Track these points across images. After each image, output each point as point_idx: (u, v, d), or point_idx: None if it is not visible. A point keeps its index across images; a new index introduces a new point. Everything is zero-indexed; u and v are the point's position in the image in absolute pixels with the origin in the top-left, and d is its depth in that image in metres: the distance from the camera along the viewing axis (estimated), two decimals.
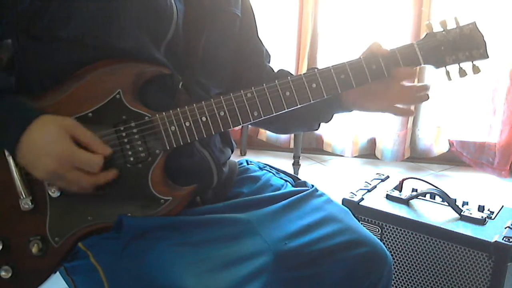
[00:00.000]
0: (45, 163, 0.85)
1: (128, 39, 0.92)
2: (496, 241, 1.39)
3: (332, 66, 1.01)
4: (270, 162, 1.26)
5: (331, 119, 1.17)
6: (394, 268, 1.57)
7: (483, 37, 1.04)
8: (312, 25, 3.02)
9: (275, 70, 1.22)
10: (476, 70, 1.05)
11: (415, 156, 3.17)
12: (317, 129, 1.21)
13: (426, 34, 1.05)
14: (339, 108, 1.13)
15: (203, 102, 0.95)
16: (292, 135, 3.05)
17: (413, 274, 1.55)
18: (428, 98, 1.08)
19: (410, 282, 1.56)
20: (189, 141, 0.94)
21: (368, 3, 2.97)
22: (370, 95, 1.08)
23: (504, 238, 1.39)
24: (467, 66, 1.05)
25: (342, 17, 3.01)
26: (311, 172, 3.05)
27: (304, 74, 1.00)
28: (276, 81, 0.98)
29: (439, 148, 3.12)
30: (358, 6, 2.98)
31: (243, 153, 3.25)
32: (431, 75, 2.93)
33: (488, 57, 1.05)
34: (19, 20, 0.89)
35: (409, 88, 1.07)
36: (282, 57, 3.05)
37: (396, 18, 2.94)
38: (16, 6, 0.88)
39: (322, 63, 3.05)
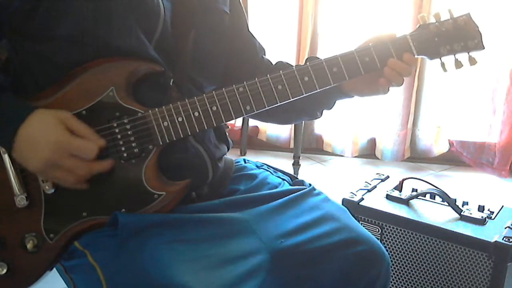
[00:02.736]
0: (41, 151, 0.86)
1: (122, 37, 0.93)
2: (496, 241, 1.38)
3: (324, 59, 1.01)
4: (270, 162, 1.26)
5: (333, 105, 1.17)
6: (394, 268, 1.57)
7: (478, 27, 1.03)
8: (312, 25, 3.02)
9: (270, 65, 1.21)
10: (472, 61, 1.04)
11: (415, 156, 3.17)
12: (320, 117, 1.20)
13: (419, 26, 1.04)
14: (339, 95, 1.12)
15: (195, 97, 0.96)
16: (292, 134, 3.05)
17: (413, 274, 1.54)
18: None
19: (410, 282, 1.56)
20: (182, 136, 0.95)
21: (368, 3, 2.96)
22: (367, 81, 1.06)
23: (504, 238, 1.39)
24: (463, 57, 1.04)
25: (342, 17, 3.01)
26: (311, 172, 3.05)
27: (296, 67, 1.00)
28: (268, 75, 0.99)
29: (439, 148, 3.12)
30: (358, 6, 2.98)
31: (243, 153, 3.25)
32: (431, 74, 2.94)
33: (484, 47, 1.04)
34: (12, 21, 0.91)
35: (401, 67, 1.03)
36: (282, 57, 3.03)
37: (396, 18, 2.93)
38: (8, 7, 0.89)
39: None
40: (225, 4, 1.12)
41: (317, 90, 1.01)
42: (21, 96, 0.93)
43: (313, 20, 3.01)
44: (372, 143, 3.23)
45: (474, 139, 3.07)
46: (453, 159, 3.13)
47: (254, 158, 1.28)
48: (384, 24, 2.95)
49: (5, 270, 0.92)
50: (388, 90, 1.07)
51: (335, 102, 1.16)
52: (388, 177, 1.78)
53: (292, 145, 3.06)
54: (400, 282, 1.57)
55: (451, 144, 3.10)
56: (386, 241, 1.56)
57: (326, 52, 3.05)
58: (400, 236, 1.54)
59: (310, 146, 3.30)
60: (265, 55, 1.23)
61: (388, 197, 1.61)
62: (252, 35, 1.21)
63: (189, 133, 0.96)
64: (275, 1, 3.01)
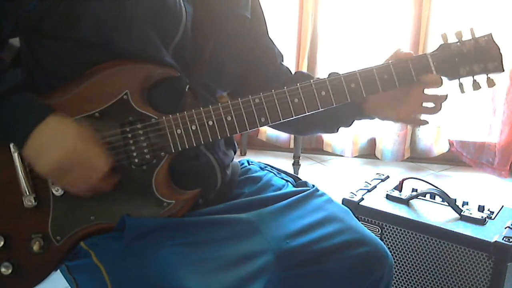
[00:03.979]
0: (54, 154, 0.85)
1: (137, 40, 0.92)
2: (496, 241, 1.39)
3: (342, 74, 1.00)
4: (270, 162, 1.26)
5: (351, 124, 1.15)
6: (394, 268, 1.57)
7: (499, 49, 1.02)
8: (312, 25, 3.02)
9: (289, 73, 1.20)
10: (490, 83, 1.03)
11: (415, 156, 3.17)
12: (336, 133, 1.19)
13: (440, 45, 1.03)
14: (359, 115, 1.12)
15: (210, 106, 0.94)
16: (292, 135, 3.05)
17: (413, 274, 1.55)
18: (440, 109, 1.06)
19: (410, 282, 1.56)
20: (194, 145, 0.94)
21: (368, 4, 2.97)
22: (391, 103, 1.05)
23: (504, 238, 1.39)
24: (481, 78, 1.03)
25: (342, 17, 3.01)
26: (311, 172, 3.05)
27: (314, 81, 0.98)
28: (285, 87, 0.97)
29: (439, 148, 3.12)
30: (358, 6, 2.98)
31: (243, 153, 3.25)
32: None
33: (503, 70, 1.03)
34: (30, 19, 0.89)
35: (429, 97, 1.04)
36: None
37: (396, 19, 2.94)
38: (26, 5, 0.88)
39: (322, 63, 3.05)
40: (247, 9, 1.11)
41: (333, 105, 0.99)
42: (34, 94, 0.91)
43: (313, 20, 3.02)
44: (372, 143, 3.23)
45: (474, 139, 3.07)
46: (453, 159, 3.13)
47: (254, 158, 1.28)
48: (384, 24, 2.95)
49: (10, 270, 0.91)
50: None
51: (353, 121, 1.15)
52: (388, 177, 1.78)
53: (292, 145, 3.06)
54: (400, 282, 1.58)
55: (451, 144, 3.10)
56: (386, 241, 1.56)
57: (326, 52, 3.05)
58: (400, 236, 1.54)
59: (310, 146, 3.31)
60: (283, 61, 1.22)
61: (388, 197, 1.62)
62: (272, 40, 1.20)
63: (202, 142, 0.94)
64: (275, 1, 3.01)
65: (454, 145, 3.10)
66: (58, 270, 1.00)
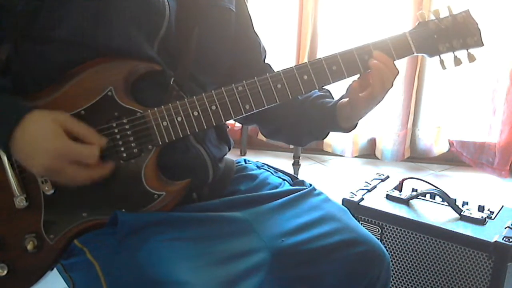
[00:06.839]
0: (42, 159, 0.85)
1: (120, 37, 0.92)
2: (496, 241, 1.39)
3: (323, 57, 1.01)
4: (270, 162, 1.25)
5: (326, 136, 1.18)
6: (394, 268, 1.57)
7: (477, 24, 1.04)
8: (312, 25, 3.02)
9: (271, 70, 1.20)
10: (471, 58, 1.05)
11: (415, 156, 3.17)
12: (325, 137, 1.19)
13: (418, 23, 1.05)
14: (338, 130, 1.14)
15: (194, 97, 0.96)
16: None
17: (413, 274, 1.54)
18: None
19: (410, 282, 1.56)
20: (181, 136, 0.95)
21: (368, 4, 2.96)
22: (359, 101, 1.04)
23: (504, 238, 1.39)
24: (462, 54, 1.05)
25: (342, 17, 3.00)
26: (311, 172, 3.05)
27: (295, 66, 1.00)
28: (267, 74, 0.99)
29: (439, 148, 3.12)
30: (358, 6, 2.97)
31: (243, 153, 3.25)
32: (431, 74, 2.94)
33: (483, 44, 1.04)
34: (17, 22, 0.90)
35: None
36: (282, 57, 3.04)
37: (396, 19, 2.93)
38: (14, 8, 0.89)
39: None
40: (231, 2, 1.11)
41: (316, 88, 1.01)
42: (19, 96, 0.92)
43: (313, 20, 3.01)
44: (372, 143, 3.23)
45: (474, 139, 3.06)
46: (453, 159, 3.13)
47: (254, 158, 1.28)
48: (384, 24, 2.94)
49: (5, 272, 0.92)
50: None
51: (328, 133, 1.17)
52: (388, 177, 1.78)
53: (292, 145, 3.06)
54: (400, 282, 1.58)
55: (451, 144, 3.10)
56: (386, 241, 1.56)
57: (326, 52, 3.03)
58: (400, 236, 1.54)
59: (310, 146, 3.30)
60: (265, 57, 1.22)
61: (388, 197, 1.61)
62: (257, 35, 1.20)
63: (189, 133, 0.96)
64: (275, 1, 3.01)
65: (454, 145, 3.09)
66: (56, 270, 1.00)
